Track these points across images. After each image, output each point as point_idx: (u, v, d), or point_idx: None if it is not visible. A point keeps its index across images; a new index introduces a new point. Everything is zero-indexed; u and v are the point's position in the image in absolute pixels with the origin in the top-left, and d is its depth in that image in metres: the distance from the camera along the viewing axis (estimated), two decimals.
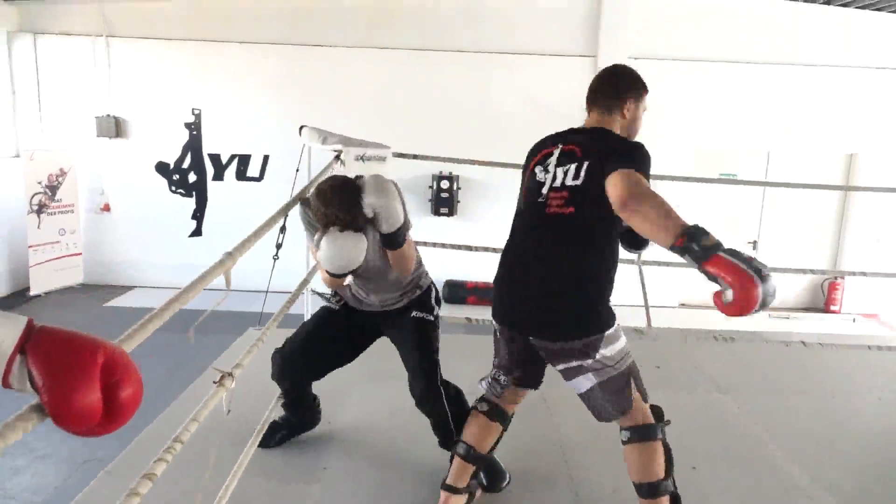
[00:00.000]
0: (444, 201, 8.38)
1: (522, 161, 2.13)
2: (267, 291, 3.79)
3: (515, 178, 2.21)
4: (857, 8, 8.08)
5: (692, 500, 2.27)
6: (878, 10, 8.06)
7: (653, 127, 9.06)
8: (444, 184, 8.34)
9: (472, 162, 3.53)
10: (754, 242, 9.27)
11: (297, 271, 3.34)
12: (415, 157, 3.46)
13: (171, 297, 1.21)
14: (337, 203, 2.10)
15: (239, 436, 2.24)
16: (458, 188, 8.40)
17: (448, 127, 8.08)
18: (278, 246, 3.58)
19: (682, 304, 9.18)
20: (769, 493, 2.36)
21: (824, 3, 8.08)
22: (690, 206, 8.84)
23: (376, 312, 2.44)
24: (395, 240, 2.21)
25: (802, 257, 8.60)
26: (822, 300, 9.17)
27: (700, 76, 8.47)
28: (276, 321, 2.20)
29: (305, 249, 3.32)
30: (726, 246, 1.52)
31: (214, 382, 1.53)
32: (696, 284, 8.96)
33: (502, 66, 8.08)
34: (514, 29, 8.09)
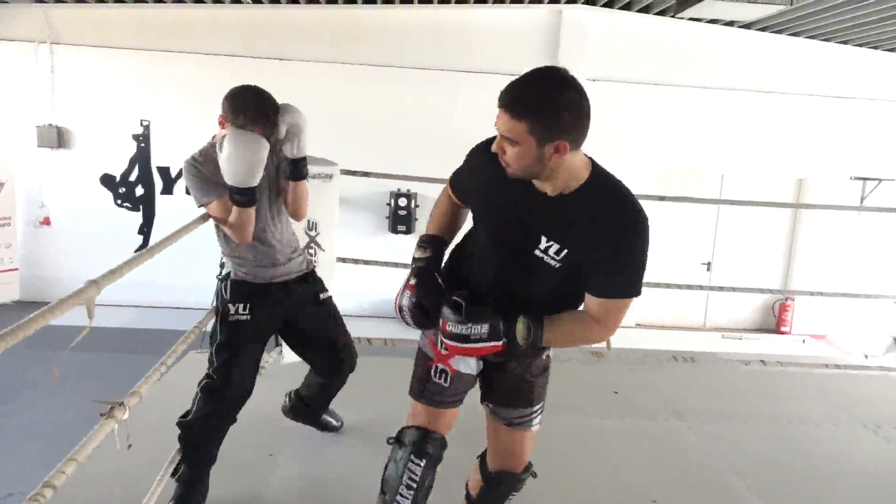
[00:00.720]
0: (401, 219, 8.25)
1: None
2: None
3: None
4: (806, 38, 8.32)
5: None
6: (826, 40, 8.31)
7: (611, 149, 9.16)
8: (402, 201, 8.22)
9: (423, 179, 3.41)
10: (708, 264, 9.39)
11: None
12: (365, 174, 3.32)
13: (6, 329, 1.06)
14: (252, 104, 2.04)
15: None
16: (417, 206, 8.28)
17: (408, 144, 7.97)
18: (222, 265, 3.39)
19: (639, 325, 9.20)
20: None
21: (776, 32, 8.29)
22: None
23: (280, 296, 2.24)
24: (302, 169, 2.17)
25: (754, 278, 8.72)
26: (774, 321, 9.33)
27: (656, 100, 8.58)
28: (186, 343, 2.04)
29: None
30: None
31: (102, 415, 1.34)
32: (652, 304, 9.04)
33: (464, 84, 8.02)
34: (476, 48, 8.06)
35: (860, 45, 8.40)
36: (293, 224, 2.34)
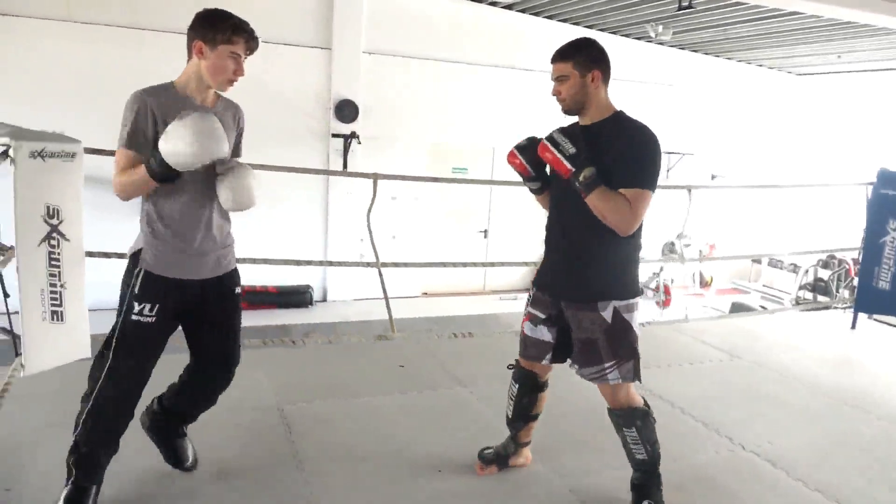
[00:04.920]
0: None
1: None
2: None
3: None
4: (559, 21, 9.11)
5: (446, 500, 2.25)
6: (576, 24, 9.17)
7: (389, 123, 9.23)
8: None
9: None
10: (485, 231, 10.01)
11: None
12: (113, 153, 2.91)
13: None
14: (231, 16, 1.95)
15: None
16: None
17: None
18: None
19: (425, 293, 9.55)
20: (512, 479, 2.43)
21: (534, 14, 8.95)
22: (427, 200, 9.25)
23: (194, 291, 2.01)
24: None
25: (526, 246, 9.50)
26: None
27: (432, 74, 8.83)
28: None
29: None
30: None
31: None
32: (437, 274, 9.42)
33: None
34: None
35: (602, 30, 9.40)
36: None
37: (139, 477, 2.28)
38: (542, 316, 2.22)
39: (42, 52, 6.91)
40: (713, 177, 10.87)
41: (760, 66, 10.99)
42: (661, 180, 2.06)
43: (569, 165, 1.97)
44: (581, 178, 1.95)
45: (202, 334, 2.10)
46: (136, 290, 1.97)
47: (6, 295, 2.59)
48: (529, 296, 2.29)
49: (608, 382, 2.11)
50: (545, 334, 2.22)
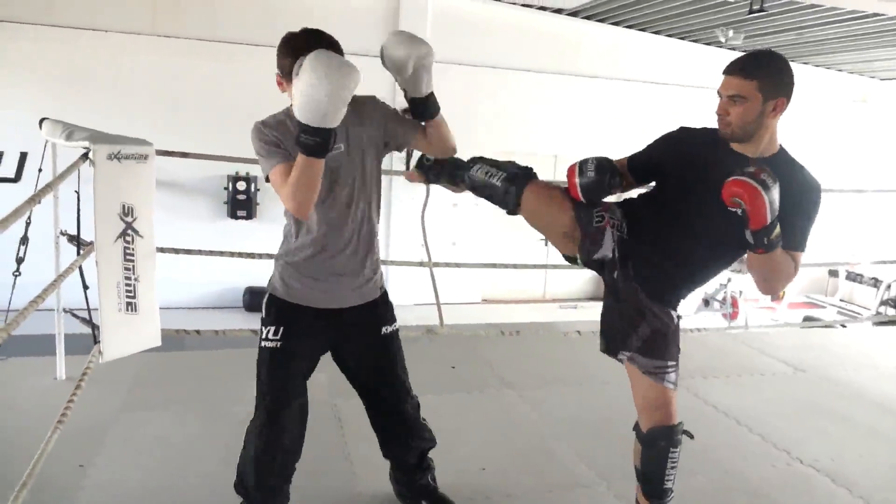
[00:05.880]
0: (241, 204, 7.90)
1: None
2: (8, 311, 3.21)
3: None
4: (625, 27, 9.00)
5: (482, 501, 2.29)
6: (642, 30, 9.04)
7: (451, 129, 9.33)
8: (241, 185, 7.86)
9: (249, 161, 3.25)
10: (545, 239, 9.94)
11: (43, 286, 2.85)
12: (184, 155, 3.11)
13: None
14: (310, 42, 1.64)
15: None
16: (258, 189, 7.96)
17: (242, 123, 7.60)
18: (19, 260, 3.05)
19: (485, 300, 9.58)
20: (553, 482, 2.44)
21: (599, 21, 8.89)
22: (488, 207, 9.27)
23: (330, 322, 1.88)
24: (434, 104, 1.86)
25: None
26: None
27: (495, 82, 8.89)
28: None
29: (52, 261, 2.83)
30: None
31: None
32: (496, 281, 9.44)
33: None
34: (315, 25, 7.81)
35: (670, 36, 9.23)
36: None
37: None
38: (611, 243, 1.88)
39: (126, 63, 7.38)
40: None
41: (840, 70, 10.51)
42: None
43: (769, 218, 1.58)
44: (772, 236, 1.61)
45: None
46: None
47: (86, 287, 2.79)
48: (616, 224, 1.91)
49: (664, 383, 1.88)
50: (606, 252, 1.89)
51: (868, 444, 2.93)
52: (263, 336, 1.86)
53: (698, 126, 1.90)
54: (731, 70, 1.72)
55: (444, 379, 3.39)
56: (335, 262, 1.83)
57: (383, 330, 1.98)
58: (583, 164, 1.87)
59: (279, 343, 1.84)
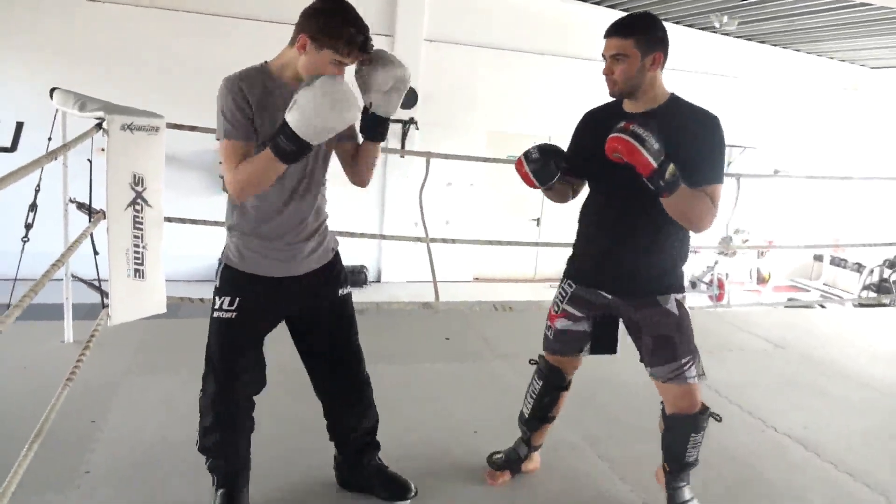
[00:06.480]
0: None
1: None
2: (15, 280, 3.31)
3: None
4: (622, 11, 9.03)
5: (478, 461, 2.42)
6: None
7: (447, 110, 9.38)
8: None
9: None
10: (538, 220, 10.08)
11: (51, 255, 2.93)
12: (192, 128, 3.20)
13: None
14: (353, 34, 1.65)
15: None
16: None
17: None
18: (27, 226, 3.13)
19: (476, 279, 9.71)
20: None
21: (595, 4, 8.93)
22: (482, 187, 9.39)
23: (287, 290, 1.87)
24: (385, 129, 1.84)
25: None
26: None
27: (491, 62, 8.94)
28: (16, 313, 1.90)
29: (61, 229, 2.91)
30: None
31: None
32: (488, 260, 9.56)
33: None
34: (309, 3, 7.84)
35: (666, 20, 9.27)
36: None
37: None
38: (581, 315, 2.09)
39: (127, 37, 7.37)
40: (776, 171, 10.59)
41: (831, 58, 10.62)
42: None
43: (654, 163, 1.68)
44: (666, 177, 1.70)
45: None
46: None
47: (96, 253, 2.89)
48: (563, 292, 2.14)
49: (686, 382, 1.93)
50: (582, 326, 2.10)
51: (840, 415, 3.09)
52: (216, 306, 1.85)
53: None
54: (610, 32, 1.87)
55: (439, 350, 3.52)
56: (287, 229, 1.83)
57: (340, 291, 1.99)
58: (527, 153, 2.00)
59: (234, 314, 1.84)
